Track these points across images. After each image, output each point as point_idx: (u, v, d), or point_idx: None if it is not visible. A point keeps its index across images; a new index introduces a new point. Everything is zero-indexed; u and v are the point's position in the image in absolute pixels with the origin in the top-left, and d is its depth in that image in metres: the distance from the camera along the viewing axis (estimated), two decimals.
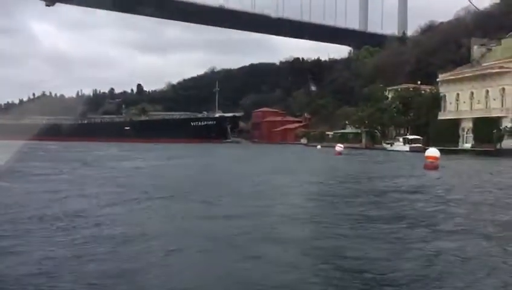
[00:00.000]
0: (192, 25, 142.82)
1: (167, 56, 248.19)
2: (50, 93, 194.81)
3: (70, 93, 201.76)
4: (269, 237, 8.45)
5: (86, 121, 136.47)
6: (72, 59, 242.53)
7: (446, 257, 7.21)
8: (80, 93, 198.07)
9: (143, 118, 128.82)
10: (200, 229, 9.23)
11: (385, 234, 8.91)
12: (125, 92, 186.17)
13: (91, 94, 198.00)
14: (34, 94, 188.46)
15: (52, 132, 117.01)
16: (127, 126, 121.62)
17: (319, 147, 77.45)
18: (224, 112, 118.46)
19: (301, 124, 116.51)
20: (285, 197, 14.44)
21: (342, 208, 12.37)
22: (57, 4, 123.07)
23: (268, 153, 59.71)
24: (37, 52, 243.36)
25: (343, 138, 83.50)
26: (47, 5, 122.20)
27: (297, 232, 9.07)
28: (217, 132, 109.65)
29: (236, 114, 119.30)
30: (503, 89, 58.84)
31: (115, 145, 75.05)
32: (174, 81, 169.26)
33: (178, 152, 52.57)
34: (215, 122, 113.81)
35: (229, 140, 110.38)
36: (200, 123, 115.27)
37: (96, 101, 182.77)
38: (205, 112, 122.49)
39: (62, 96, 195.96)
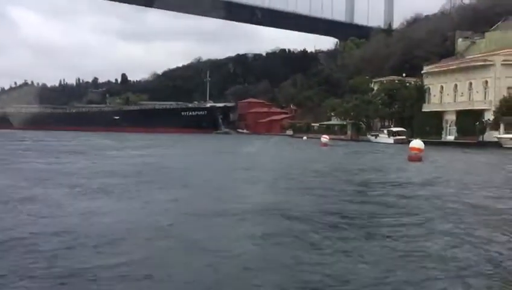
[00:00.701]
0: (178, 14, 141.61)
1: (151, 45, 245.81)
2: (32, 82, 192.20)
3: (52, 82, 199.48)
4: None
5: (73, 110, 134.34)
6: (54, 47, 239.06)
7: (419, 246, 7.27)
8: (62, 82, 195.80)
9: (133, 107, 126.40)
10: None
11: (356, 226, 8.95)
12: (109, 82, 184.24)
13: (74, 83, 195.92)
14: (15, 83, 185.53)
15: (39, 121, 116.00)
16: (116, 115, 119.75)
17: (304, 138, 77.61)
18: (215, 102, 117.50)
19: (287, 116, 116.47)
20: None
21: (322, 200, 12.40)
22: None
23: (253, 143, 59.63)
24: (18, 40, 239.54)
25: (328, 130, 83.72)
26: None
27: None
28: (208, 122, 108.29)
29: (228, 104, 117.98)
30: (486, 82, 59.48)
31: (101, 135, 73.98)
32: (159, 71, 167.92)
33: (163, 142, 52.27)
34: (206, 112, 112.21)
35: (221, 131, 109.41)
36: (191, 113, 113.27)
37: (79, 90, 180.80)
38: (196, 102, 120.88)
39: (44, 85, 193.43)
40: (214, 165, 24.50)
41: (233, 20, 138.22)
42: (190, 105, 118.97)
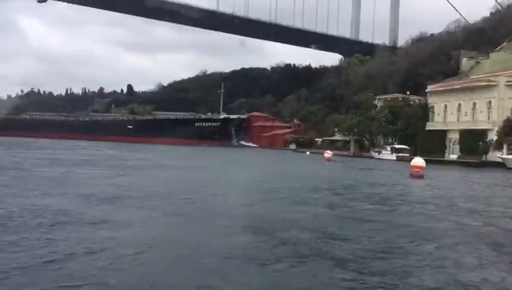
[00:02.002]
0: (184, 26, 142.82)
1: (157, 57, 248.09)
2: (38, 90, 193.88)
3: (59, 91, 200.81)
4: None
5: (87, 119, 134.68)
6: (61, 56, 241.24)
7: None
8: (68, 92, 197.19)
9: (146, 117, 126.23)
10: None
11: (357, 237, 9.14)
12: (115, 92, 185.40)
13: (80, 93, 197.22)
14: (22, 90, 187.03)
15: (53, 129, 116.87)
16: (130, 125, 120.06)
17: (308, 153, 77.77)
18: (229, 114, 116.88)
19: (290, 130, 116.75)
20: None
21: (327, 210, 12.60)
22: (49, 1, 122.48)
23: (258, 158, 59.90)
24: (26, 49, 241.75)
25: (332, 145, 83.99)
26: (39, 1, 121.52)
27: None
28: (221, 134, 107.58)
29: (242, 116, 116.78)
30: (490, 102, 59.76)
31: (122, 146, 72.72)
32: (165, 83, 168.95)
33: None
34: (219, 123, 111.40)
35: (237, 144, 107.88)
36: (204, 124, 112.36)
37: (85, 99, 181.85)
38: (210, 113, 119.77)
39: (51, 93, 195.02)
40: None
41: (240, 34, 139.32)
42: (204, 116, 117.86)
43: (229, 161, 48.13)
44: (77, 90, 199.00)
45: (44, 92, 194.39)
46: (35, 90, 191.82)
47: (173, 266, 6.86)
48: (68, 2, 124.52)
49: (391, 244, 8.82)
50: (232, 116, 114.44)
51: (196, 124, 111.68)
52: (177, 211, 12.04)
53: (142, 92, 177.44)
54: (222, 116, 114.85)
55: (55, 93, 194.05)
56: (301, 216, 11.63)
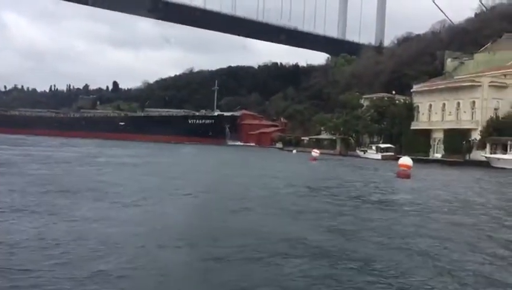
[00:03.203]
0: (170, 23, 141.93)
1: (143, 53, 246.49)
2: (22, 86, 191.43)
3: (43, 87, 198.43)
4: None
5: (77, 115, 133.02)
6: (45, 52, 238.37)
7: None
8: (53, 88, 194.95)
9: (139, 113, 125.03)
10: None
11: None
12: (100, 89, 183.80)
13: (64, 89, 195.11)
14: (5, 87, 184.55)
15: (43, 126, 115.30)
16: (121, 121, 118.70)
17: (294, 151, 78.07)
18: (207, 113, 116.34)
19: (277, 128, 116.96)
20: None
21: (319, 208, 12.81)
22: None
23: (246, 156, 60.03)
24: (8, 44, 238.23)
25: (318, 144, 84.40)
26: None
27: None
28: (214, 131, 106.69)
29: (235, 113, 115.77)
30: (474, 102, 60.69)
31: (118, 143, 72.07)
32: (151, 80, 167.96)
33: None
34: (213, 121, 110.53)
35: (232, 143, 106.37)
36: (198, 121, 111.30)
37: (70, 96, 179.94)
38: (203, 110, 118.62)
39: (34, 90, 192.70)
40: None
41: (227, 32, 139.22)
42: (197, 113, 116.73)
43: (210, 158, 48.15)
44: (62, 86, 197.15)
45: (28, 88, 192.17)
46: (19, 86, 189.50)
47: None
48: None
49: (395, 244, 9.06)
50: (226, 114, 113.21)
51: (189, 121, 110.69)
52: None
53: (127, 89, 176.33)
54: (216, 114, 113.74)
55: (39, 90, 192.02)
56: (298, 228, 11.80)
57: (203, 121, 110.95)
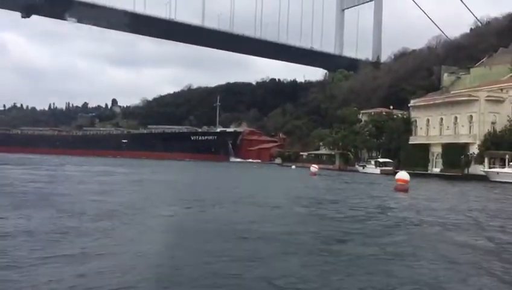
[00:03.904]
0: (169, 41, 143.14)
1: (142, 71, 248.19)
2: (21, 105, 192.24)
3: (42, 105, 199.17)
4: None
5: (80, 133, 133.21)
6: (45, 71, 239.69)
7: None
8: (52, 106, 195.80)
9: (141, 130, 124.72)
10: None
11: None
12: (99, 107, 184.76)
13: (63, 107, 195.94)
14: (4, 106, 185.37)
15: (46, 144, 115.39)
16: (124, 139, 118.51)
17: (293, 167, 78.28)
18: (209, 129, 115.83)
19: (276, 144, 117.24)
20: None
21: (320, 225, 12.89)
22: (33, 16, 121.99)
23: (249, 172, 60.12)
24: (7, 63, 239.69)
25: (317, 159, 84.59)
26: (23, 17, 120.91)
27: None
28: (217, 148, 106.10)
29: (238, 129, 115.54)
30: (471, 116, 60.94)
31: (100, 161, 72.34)
32: (150, 97, 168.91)
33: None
34: (216, 137, 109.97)
35: (235, 159, 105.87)
36: (200, 138, 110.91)
37: (69, 114, 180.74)
38: (205, 127, 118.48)
39: (34, 108, 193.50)
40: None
41: (225, 49, 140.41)
42: (200, 130, 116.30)
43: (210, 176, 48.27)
44: (61, 105, 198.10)
45: (27, 106, 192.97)
46: (18, 105, 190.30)
47: None
48: (52, 18, 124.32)
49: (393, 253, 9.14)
50: (228, 130, 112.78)
51: (192, 138, 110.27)
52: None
53: (126, 106, 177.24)
54: (219, 130, 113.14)
55: (38, 108, 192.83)
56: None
57: (206, 137, 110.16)
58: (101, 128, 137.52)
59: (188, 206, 16.52)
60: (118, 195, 20.51)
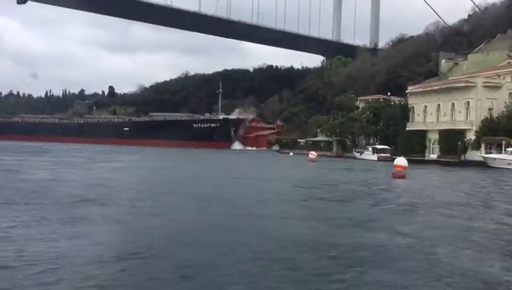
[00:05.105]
0: (165, 27, 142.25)
1: (139, 58, 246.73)
2: (18, 92, 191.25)
3: (39, 93, 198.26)
4: None
5: (81, 121, 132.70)
6: (41, 58, 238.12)
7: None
8: (48, 94, 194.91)
9: (143, 118, 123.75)
10: None
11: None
12: (96, 94, 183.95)
13: (60, 95, 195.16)
14: (0, 92, 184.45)
15: (46, 132, 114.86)
16: (125, 127, 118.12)
17: (291, 154, 78.40)
18: (206, 116, 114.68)
19: (274, 131, 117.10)
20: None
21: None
22: (29, 2, 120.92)
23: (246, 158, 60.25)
24: (4, 51, 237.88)
25: (314, 146, 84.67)
26: (18, 3, 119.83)
27: None
28: (219, 135, 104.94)
29: (240, 116, 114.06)
30: (468, 103, 61.05)
31: (102, 149, 72.11)
32: (147, 84, 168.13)
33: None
34: (218, 124, 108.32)
35: (238, 148, 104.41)
36: (203, 125, 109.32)
37: (66, 101, 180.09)
38: (208, 114, 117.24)
39: (30, 96, 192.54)
40: None
41: (222, 36, 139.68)
42: (202, 117, 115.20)
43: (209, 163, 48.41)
44: (57, 92, 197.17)
45: (24, 94, 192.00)
46: (14, 92, 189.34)
47: None
48: (48, 4, 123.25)
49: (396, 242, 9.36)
50: (231, 117, 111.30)
51: (194, 125, 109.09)
52: None
53: (123, 93, 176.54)
54: (221, 117, 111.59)
55: (34, 96, 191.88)
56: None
57: (208, 124, 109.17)
58: (102, 116, 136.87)
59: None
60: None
